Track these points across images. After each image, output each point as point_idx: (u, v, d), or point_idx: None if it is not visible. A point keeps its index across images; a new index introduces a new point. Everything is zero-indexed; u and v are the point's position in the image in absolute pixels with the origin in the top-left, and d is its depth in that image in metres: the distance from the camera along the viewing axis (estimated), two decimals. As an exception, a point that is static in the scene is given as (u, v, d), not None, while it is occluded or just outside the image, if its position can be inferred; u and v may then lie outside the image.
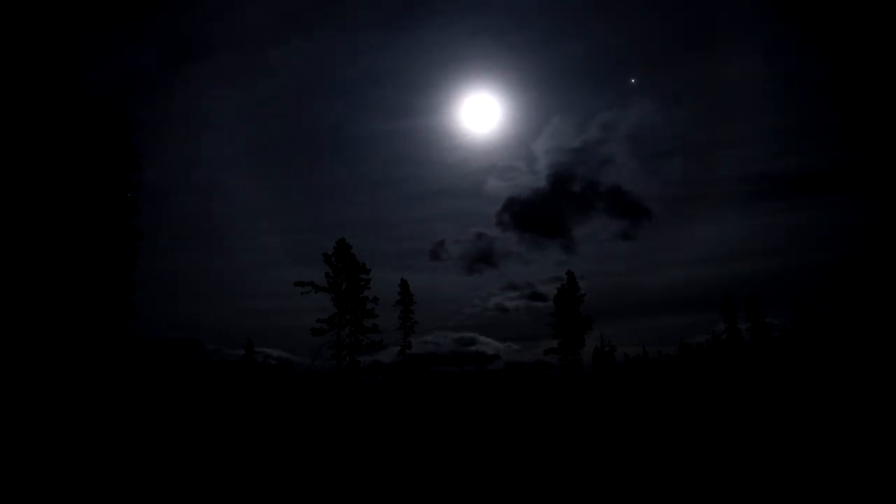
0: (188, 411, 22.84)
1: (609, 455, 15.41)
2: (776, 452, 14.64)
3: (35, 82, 25.14)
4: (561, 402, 34.08)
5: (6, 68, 24.16)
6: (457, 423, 24.54)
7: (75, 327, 22.30)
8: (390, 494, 11.40)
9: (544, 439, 19.01)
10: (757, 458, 13.93)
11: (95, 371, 21.64)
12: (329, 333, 34.78)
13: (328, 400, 31.65)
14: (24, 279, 21.33)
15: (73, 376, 20.52)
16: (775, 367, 41.45)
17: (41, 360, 20.13)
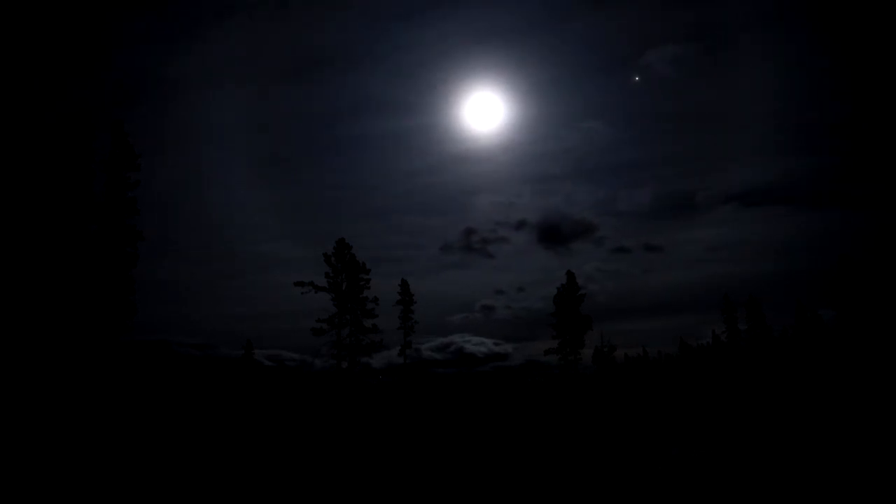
0: (189, 410, 22.79)
1: (610, 455, 15.39)
2: (776, 452, 14.62)
3: (34, 85, 25.08)
4: (561, 402, 34.05)
5: (6, 72, 24.11)
6: (457, 423, 24.51)
7: (76, 327, 22.25)
8: (393, 492, 11.38)
9: (545, 439, 18.99)
10: (757, 458, 13.92)
11: (96, 370, 21.60)
12: (329, 333, 34.68)
13: (328, 399, 31.60)
14: (24, 279, 21.28)
15: (73, 375, 20.47)
16: (775, 367, 41.44)
17: (42, 360, 20.09)
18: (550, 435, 20.25)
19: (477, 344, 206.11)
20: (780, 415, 22.80)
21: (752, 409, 25.32)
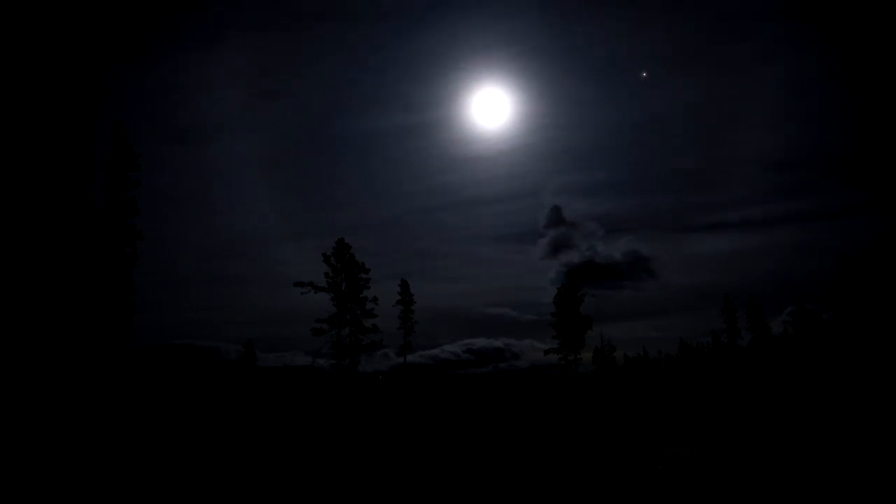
0: (190, 410, 22.81)
1: (609, 455, 15.41)
2: (776, 452, 14.64)
3: (34, 84, 25.14)
4: (561, 402, 34.06)
5: (7, 73, 24.17)
6: (457, 423, 24.52)
7: (76, 327, 22.28)
8: (390, 492, 11.39)
9: (544, 439, 19.00)
10: (757, 458, 13.93)
11: (96, 370, 21.63)
12: (329, 333, 34.75)
13: (328, 400, 31.61)
14: (24, 279, 21.31)
15: (73, 376, 20.50)
16: (775, 367, 41.47)
17: (42, 360, 20.11)
18: (549, 434, 20.27)
19: (475, 344, 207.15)
20: (780, 415, 22.81)
21: (752, 409, 25.33)
